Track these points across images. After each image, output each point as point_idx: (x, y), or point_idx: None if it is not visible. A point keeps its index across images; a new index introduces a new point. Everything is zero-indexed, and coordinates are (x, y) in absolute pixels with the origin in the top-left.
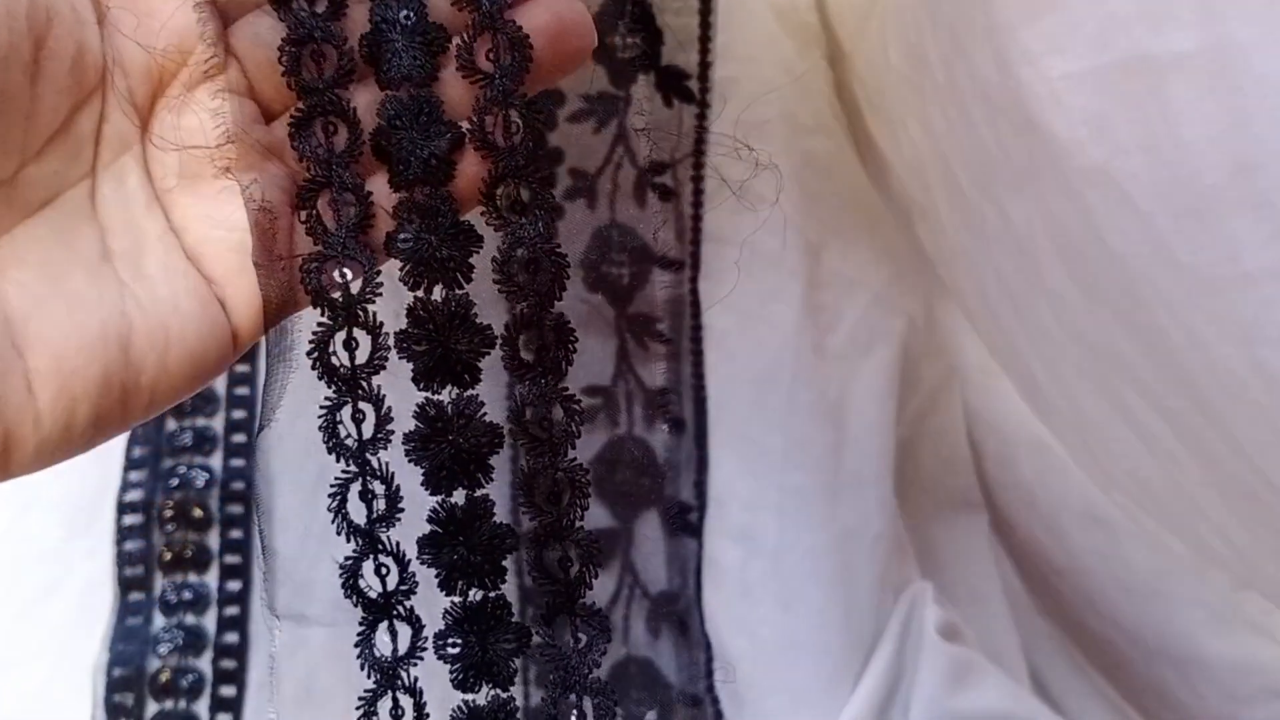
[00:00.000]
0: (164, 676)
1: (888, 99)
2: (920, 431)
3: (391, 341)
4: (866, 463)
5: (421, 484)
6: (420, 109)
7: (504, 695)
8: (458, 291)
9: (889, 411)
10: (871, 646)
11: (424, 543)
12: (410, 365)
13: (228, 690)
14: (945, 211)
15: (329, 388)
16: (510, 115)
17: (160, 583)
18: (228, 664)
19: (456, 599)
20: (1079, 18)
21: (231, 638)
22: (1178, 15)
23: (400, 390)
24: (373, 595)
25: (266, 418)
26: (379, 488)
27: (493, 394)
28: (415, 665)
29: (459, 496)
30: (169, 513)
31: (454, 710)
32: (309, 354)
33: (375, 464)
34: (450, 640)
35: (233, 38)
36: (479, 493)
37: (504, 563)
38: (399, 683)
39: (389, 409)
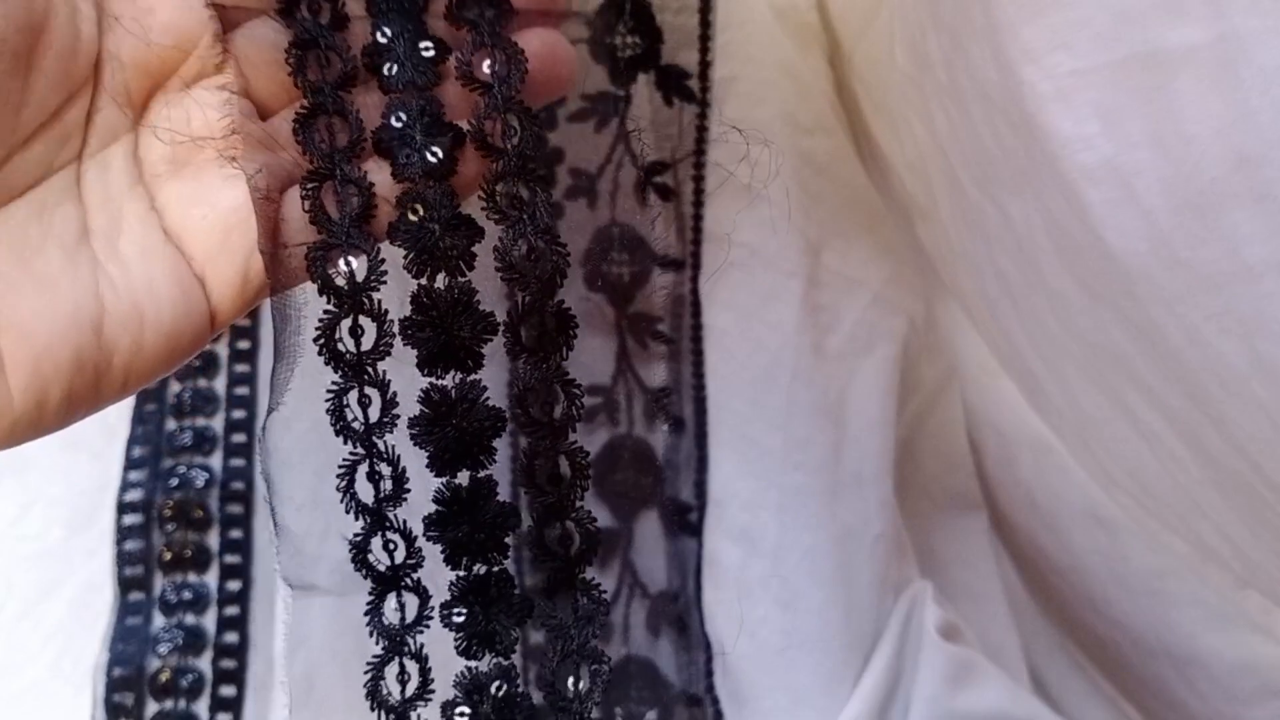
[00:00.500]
0: (164, 676)
1: (891, 98)
2: (920, 431)
3: (396, 328)
4: (866, 462)
5: (427, 465)
6: (424, 110)
7: (505, 662)
8: (460, 279)
9: (889, 411)
10: (871, 646)
11: (430, 521)
12: (415, 352)
13: (228, 690)
14: (946, 211)
15: (335, 373)
16: (509, 120)
17: (160, 582)
18: (228, 664)
19: (461, 573)
20: (1087, 14)
21: (231, 637)
22: (1187, 9)
23: (405, 376)
24: (381, 569)
25: (275, 401)
26: (385, 469)
27: (496, 379)
28: (421, 633)
29: (463, 478)
30: (169, 512)
31: (457, 676)
32: (315, 339)
33: (381, 446)
34: (455, 610)
35: (231, 41)
36: (482, 474)
37: (506, 539)
38: (406, 649)
39: (394, 394)
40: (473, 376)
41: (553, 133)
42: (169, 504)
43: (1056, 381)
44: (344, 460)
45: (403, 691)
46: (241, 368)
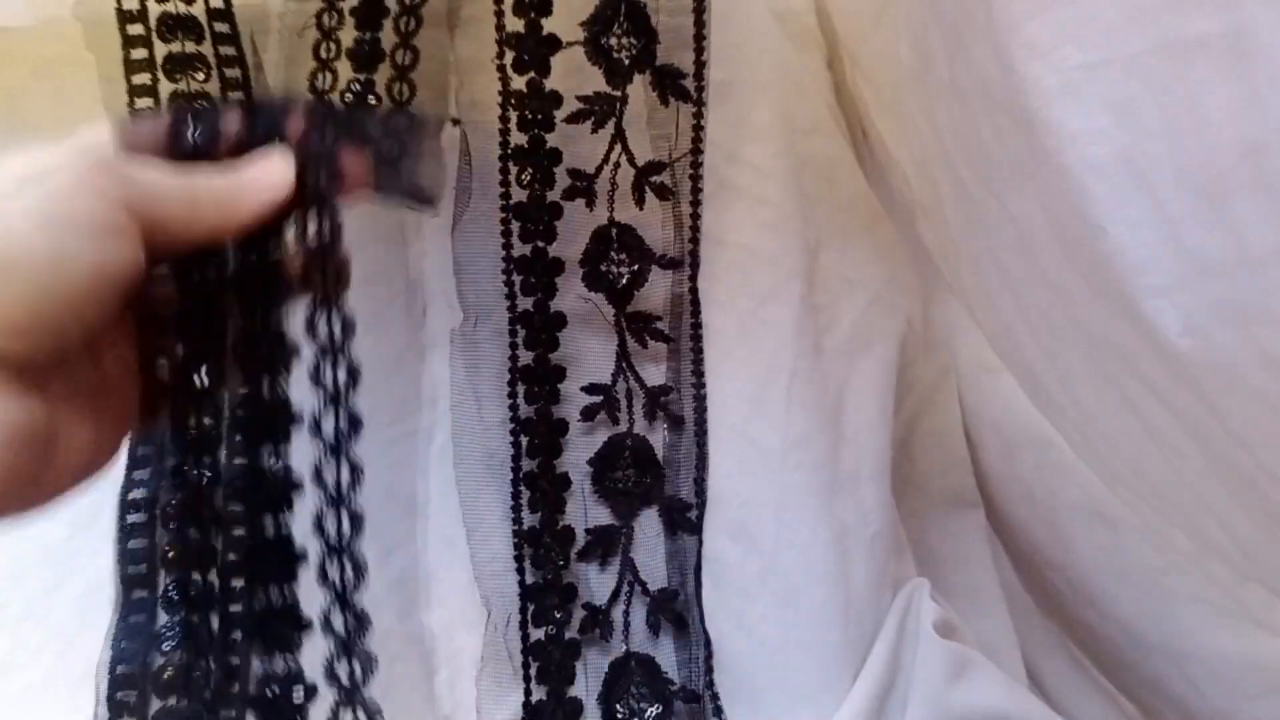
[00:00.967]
0: (167, 674)
1: (898, 94)
2: (917, 430)
3: None
4: (864, 461)
5: None
6: None
7: None
8: None
9: (886, 410)
10: (869, 643)
11: None
12: None
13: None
14: (950, 207)
15: None
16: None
17: (163, 580)
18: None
19: None
20: (1096, 8)
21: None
22: (1202, 1)
23: None
24: None
25: None
26: None
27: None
28: None
29: None
30: (172, 511)
31: None
32: None
33: None
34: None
35: None
36: None
37: None
38: None
39: None
40: None
41: (550, 134)
42: (172, 502)
43: (1058, 376)
44: None
45: None
46: None
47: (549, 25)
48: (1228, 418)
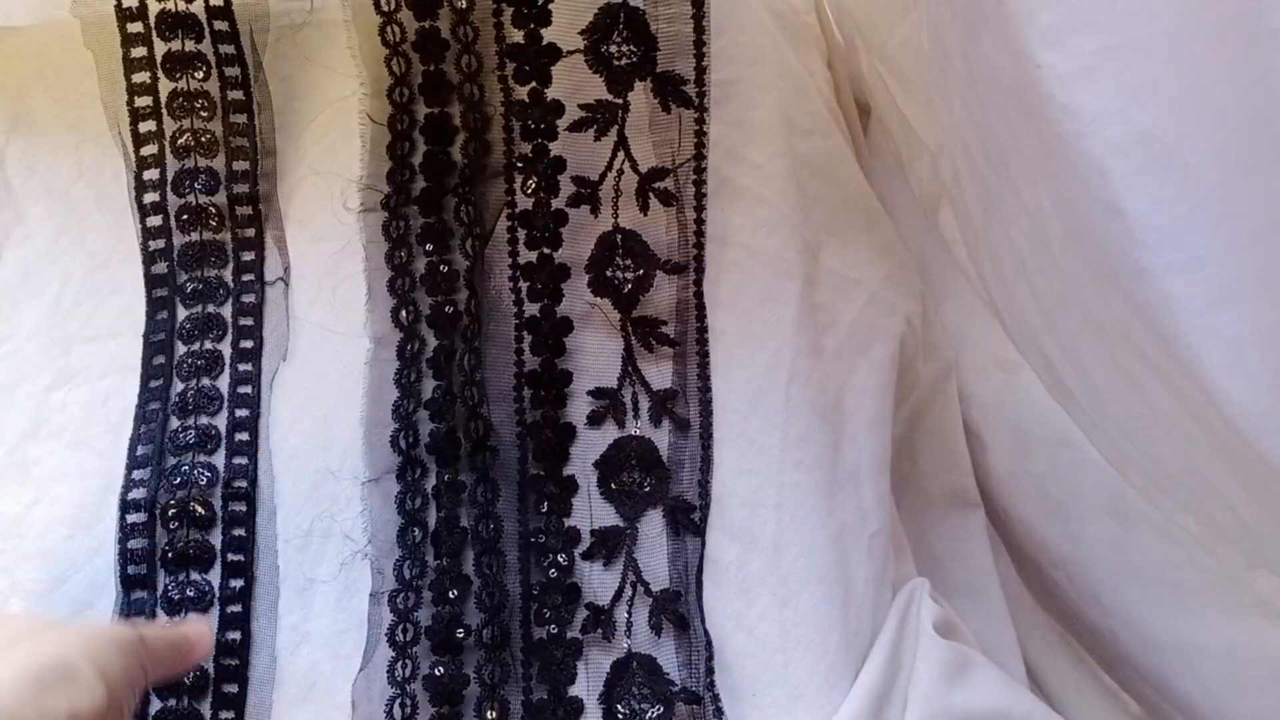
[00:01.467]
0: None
1: (925, 82)
2: (917, 429)
3: None
4: (864, 460)
5: None
6: None
7: None
8: None
9: (886, 409)
10: (869, 642)
11: None
12: None
13: (230, 687)
14: (970, 195)
15: None
16: None
17: (163, 580)
18: (230, 661)
19: None
20: None
21: (233, 635)
22: None
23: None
24: None
25: None
26: None
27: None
28: None
29: None
30: (172, 510)
31: None
32: None
33: None
34: None
35: None
36: None
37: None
38: None
39: None
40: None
41: (553, 143)
42: (172, 502)
43: (1071, 362)
44: None
45: None
46: (245, 367)
47: (548, 35)
48: (1225, 407)
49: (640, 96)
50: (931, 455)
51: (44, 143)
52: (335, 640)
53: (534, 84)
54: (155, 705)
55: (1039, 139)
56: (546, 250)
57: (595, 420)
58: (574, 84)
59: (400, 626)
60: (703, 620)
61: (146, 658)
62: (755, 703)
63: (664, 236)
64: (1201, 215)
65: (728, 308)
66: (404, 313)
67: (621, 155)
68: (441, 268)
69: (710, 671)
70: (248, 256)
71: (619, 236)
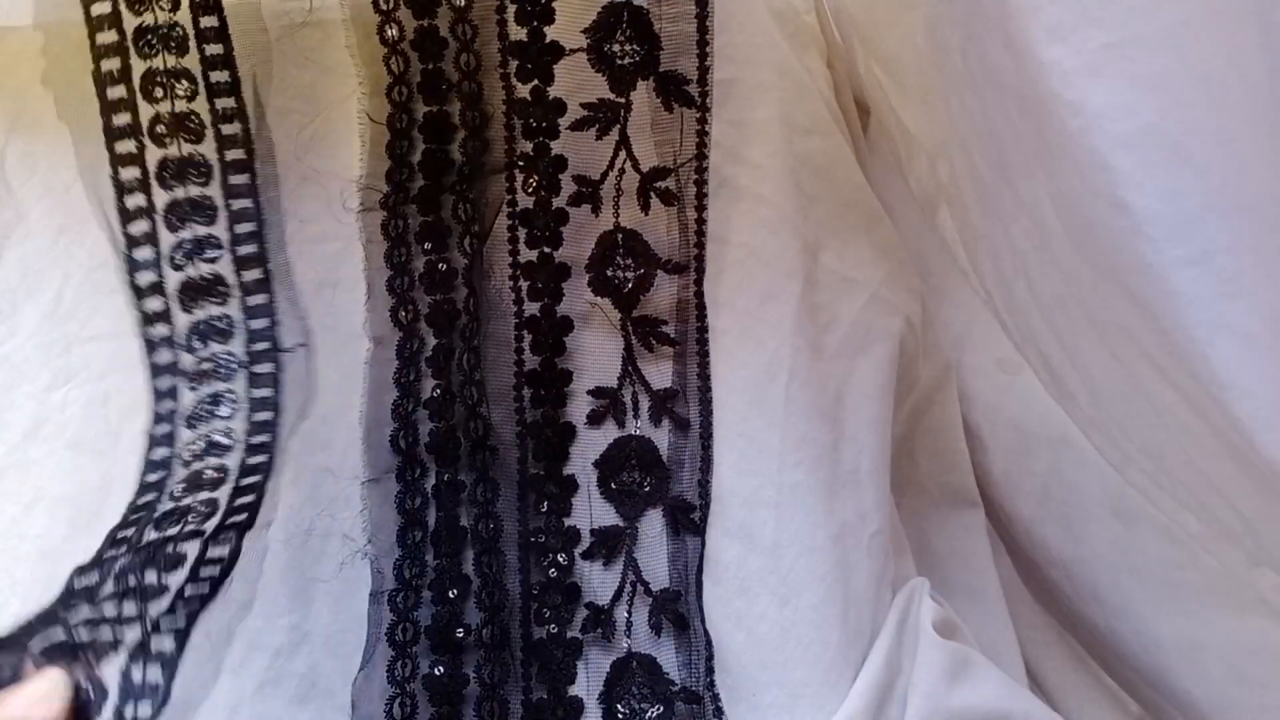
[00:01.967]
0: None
1: (922, 82)
2: (917, 429)
3: None
4: (864, 460)
5: None
6: None
7: None
8: None
9: (886, 409)
10: (868, 642)
11: None
12: None
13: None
14: (969, 194)
15: None
16: None
17: None
18: None
19: None
20: None
21: None
22: None
23: None
24: None
25: None
26: None
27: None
28: None
29: None
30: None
31: None
32: None
33: None
34: None
35: None
36: None
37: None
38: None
39: None
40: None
41: (555, 141)
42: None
43: (1072, 361)
44: None
45: None
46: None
47: (551, 33)
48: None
49: (642, 96)
50: (931, 455)
51: (44, 143)
52: (335, 640)
53: (536, 82)
54: None
55: (1040, 136)
56: (547, 249)
57: (595, 420)
58: (576, 82)
59: (400, 626)
60: (703, 620)
61: None
62: (755, 702)
63: (665, 236)
64: (1209, 208)
65: (728, 307)
66: (403, 312)
67: (623, 154)
68: (440, 266)
69: (710, 671)
70: (259, 324)
71: (620, 236)
